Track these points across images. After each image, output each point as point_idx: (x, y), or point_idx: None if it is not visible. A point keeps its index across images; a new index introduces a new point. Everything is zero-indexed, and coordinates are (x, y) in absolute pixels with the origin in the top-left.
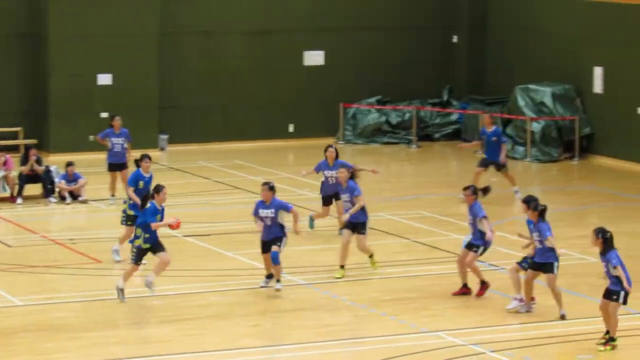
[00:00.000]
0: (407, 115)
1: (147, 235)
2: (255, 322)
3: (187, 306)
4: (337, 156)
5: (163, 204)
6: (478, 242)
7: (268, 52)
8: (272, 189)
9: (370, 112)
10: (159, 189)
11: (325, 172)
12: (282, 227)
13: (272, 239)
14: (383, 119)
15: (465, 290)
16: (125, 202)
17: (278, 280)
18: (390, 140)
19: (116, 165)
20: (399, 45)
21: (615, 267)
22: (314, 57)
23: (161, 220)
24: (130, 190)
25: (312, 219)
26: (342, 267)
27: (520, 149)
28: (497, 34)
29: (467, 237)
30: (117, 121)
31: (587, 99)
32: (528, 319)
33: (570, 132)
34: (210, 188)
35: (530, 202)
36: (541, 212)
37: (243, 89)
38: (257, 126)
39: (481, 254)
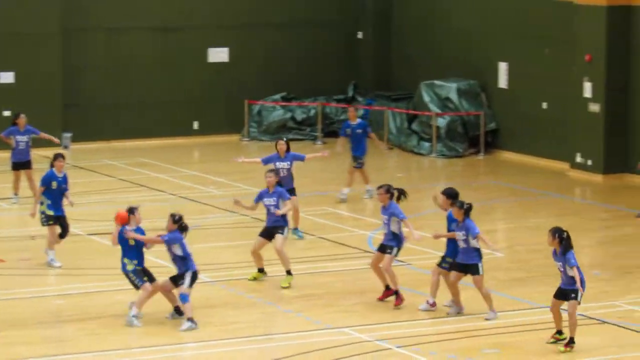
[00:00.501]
0: (312, 112)
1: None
2: (160, 320)
3: (92, 305)
4: (288, 149)
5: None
6: (391, 244)
7: (172, 49)
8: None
9: (275, 108)
10: (133, 210)
11: (277, 163)
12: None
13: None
14: (288, 115)
15: (389, 293)
16: (42, 203)
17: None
18: (295, 137)
19: (20, 164)
20: (303, 41)
21: (572, 268)
22: (219, 54)
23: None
24: (40, 190)
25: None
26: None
27: (426, 144)
28: (402, 30)
29: (372, 234)
30: (22, 119)
31: (492, 94)
32: (435, 314)
33: (476, 128)
34: (114, 186)
35: (455, 198)
36: (467, 211)
37: (148, 86)
38: (162, 123)
39: (396, 255)
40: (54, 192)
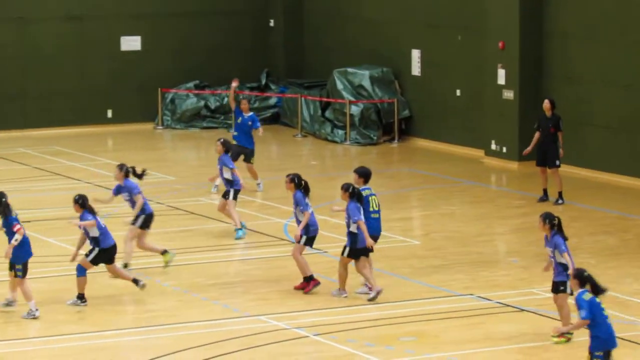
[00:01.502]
0: (225, 100)
1: None
2: (77, 308)
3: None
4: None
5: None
6: (301, 232)
7: (84, 38)
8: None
9: (188, 96)
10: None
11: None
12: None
13: None
14: (202, 103)
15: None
16: None
17: None
18: (209, 125)
19: None
20: (216, 29)
21: (562, 254)
22: (131, 43)
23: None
24: None
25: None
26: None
27: (340, 132)
28: (315, 17)
29: (288, 222)
30: None
31: (405, 82)
32: (352, 302)
33: (389, 115)
34: (29, 175)
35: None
36: (351, 194)
37: (59, 76)
38: (75, 112)
39: (305, 244)
40: None
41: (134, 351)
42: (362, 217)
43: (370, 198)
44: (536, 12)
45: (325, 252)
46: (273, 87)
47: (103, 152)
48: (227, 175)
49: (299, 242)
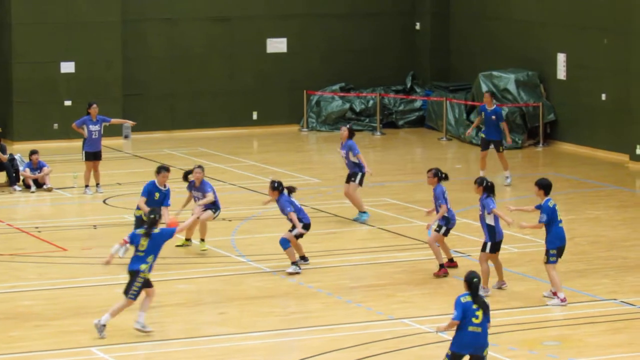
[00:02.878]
0: (370, 102)
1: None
2: (220, 310)
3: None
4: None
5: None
6: (441, 222)
7: (231, 39)
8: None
9: (333, 99)
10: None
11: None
12: None
13: None
14: (347, 105)
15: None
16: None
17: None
18: (354, 127)
19: (93, 154)
20: (361, 32)
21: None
22: (277, 45)
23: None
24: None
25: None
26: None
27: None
28: (460, 20)
29: (433, 225)
30: (94, 109)
31: (550, 85)
32: (494, 305)
33: (535, 119)
34: (173, 176)
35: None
36: (485, 188)
37: (206, 77)
38: (220, 114)
39: (444, 234)
40: (155, 203)
41: (280, 353)
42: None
43: (556, 208)
44: None
45: (469, 255)
46: (418, 90)
47: (248, 154)
48: (354, 159)
49: (437, 231)
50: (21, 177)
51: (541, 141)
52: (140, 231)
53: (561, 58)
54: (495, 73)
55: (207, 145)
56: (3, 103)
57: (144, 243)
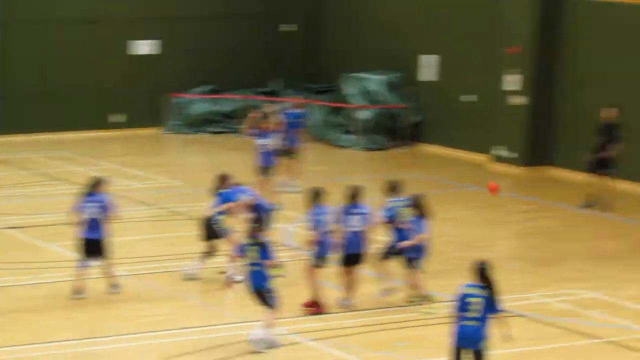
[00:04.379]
0: (238, 105)
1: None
2: (69, 315)
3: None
4: None
5: None
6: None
7: (96, 40)
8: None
9: (200, 101)
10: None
11: None
12: None
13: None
14: (214, 108)
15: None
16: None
17: None
18: (221, 130)
19: None
20: (229, 34)
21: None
22: (143, 47)
23: None
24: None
25: None
26: None
27: (351, 137)
28: (331, 22)
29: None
30: None
31: (417, 87)
32: (346, 308)
33: (400, 120)
34: (31, 180)
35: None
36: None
37: (70, 79)
38: (84, 116)
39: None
40: None
41: (129, 356)
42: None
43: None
44: (551, 19)
45: None
46: (286, 91)
47: (111, 157)
48: None
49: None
50: None
51: (406, 143)
52: (246, 241)
53: (428, 60)
54: (362, 75)
55: (68, 148)
56: None
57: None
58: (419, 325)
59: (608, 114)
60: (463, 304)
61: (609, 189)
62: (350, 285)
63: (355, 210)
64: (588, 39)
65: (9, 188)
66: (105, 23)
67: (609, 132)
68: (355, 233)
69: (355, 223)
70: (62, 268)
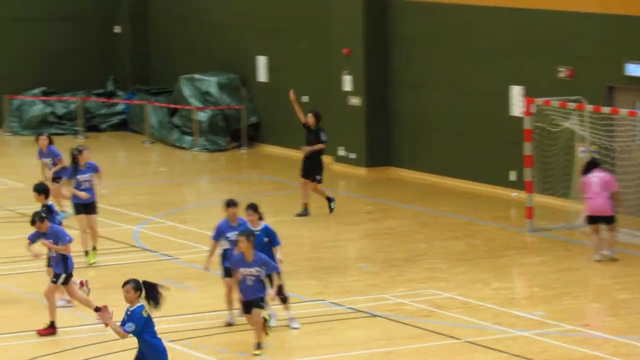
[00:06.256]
0: (72, 106)
1: None
2: None
3: None
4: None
5: None
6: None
7: None
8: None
9: (35, 103)
10: None
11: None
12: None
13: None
14: (49, 109)
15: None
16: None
17: None
18: (57, 131)
19: None
20: (60, 35)
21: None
22: None
23: None
24: None
25: None
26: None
27: (188, 138)
28: (159, 24)
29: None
30: None
31: (252, 88)
32: (204, 308)
33: (237, 121)
34: None
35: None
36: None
37: None
38: None
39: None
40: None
41: None
42: None
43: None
44: (380, 19)
45: (177, 258)
46: (120, 93)
47: None
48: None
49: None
50: None
51: (245, 143)
52: None
53: (262, 61)
54: (196, 76)
55: None
56: None
57: None
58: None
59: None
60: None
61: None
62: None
63: None
64: (419, 39)
65: None
66: None
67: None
68: None
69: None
70: None
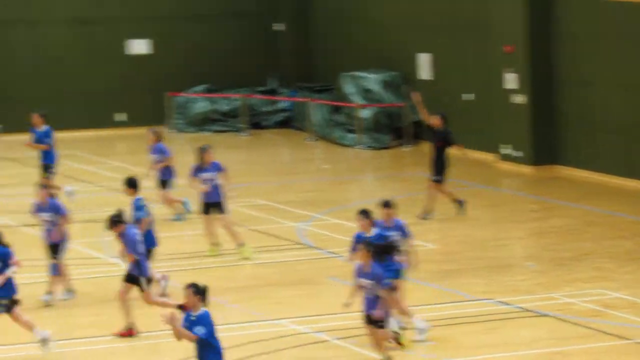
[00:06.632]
0: (235, 104)
1: None
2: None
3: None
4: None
5: None
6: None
7: (93, 40)
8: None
9: (199, 100)
10: None
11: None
12: None
13: None
14: (212, 107)
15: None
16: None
17: None
18: (220, 129)
19: None
20: (223, 33)
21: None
22: (139, 46)
23: None
24: None
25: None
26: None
27: (351, 136)
28: (322, 21)
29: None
30: None
31: (415, 86)
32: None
33: (400, 119)
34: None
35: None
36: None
37: (69, 78)
38: (82, 115)
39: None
40: None
41: (152, 354)
42: None
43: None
44: (544, 15)
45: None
46: (283, 91)
47: (113, 155)
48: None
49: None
50: None
51: (408, 141)
52: None
53: (425, 58)
54: (358, 73)
55: (70, 147)
56: None
57: None
58: (442, 325)
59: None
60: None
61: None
62: None
63: None
64: (589, 37)
65: (18, 186)
66: (100, 23)
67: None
68: None
69: None
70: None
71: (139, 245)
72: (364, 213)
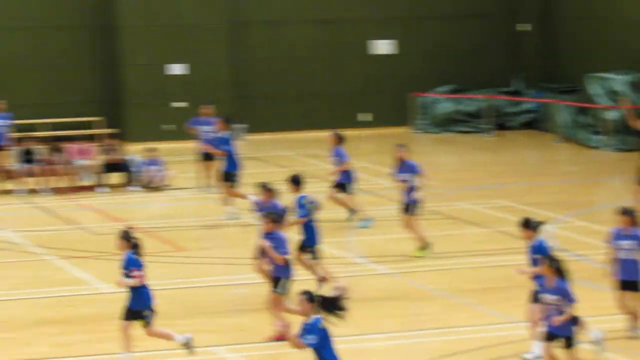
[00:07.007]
0: (479, 104)
1: None
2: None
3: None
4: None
5: None
6: None
7: (337, 40)
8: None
9: (443, 100)
10: None
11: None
12: None
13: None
14: (457, 107)
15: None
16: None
17: None
18: (464, 129)
19: (204, 155)
20: (464, 33)
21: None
22: (384, 46)
23: None
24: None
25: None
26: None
27: (599, 137)
28: (565, 20)
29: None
30: (206, 109)
31: None
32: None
33: None
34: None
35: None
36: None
37: (312, 78)
38: (326, 115)
39: None
40: None
41: (399, 355)
42: None
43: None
44: None
45: (589, 258)
46: (528, 92)
47: (360, 156)
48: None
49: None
50: (145, 175)
51: None
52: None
53: None
54: (605, 75)
55: (315, 146)
56: (118, 105)
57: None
58: None
59: None
60: None
61: None
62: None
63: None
64: None
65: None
66: (344, 23)
67: None
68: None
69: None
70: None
71: (287, 245)
72: (524, 222)
